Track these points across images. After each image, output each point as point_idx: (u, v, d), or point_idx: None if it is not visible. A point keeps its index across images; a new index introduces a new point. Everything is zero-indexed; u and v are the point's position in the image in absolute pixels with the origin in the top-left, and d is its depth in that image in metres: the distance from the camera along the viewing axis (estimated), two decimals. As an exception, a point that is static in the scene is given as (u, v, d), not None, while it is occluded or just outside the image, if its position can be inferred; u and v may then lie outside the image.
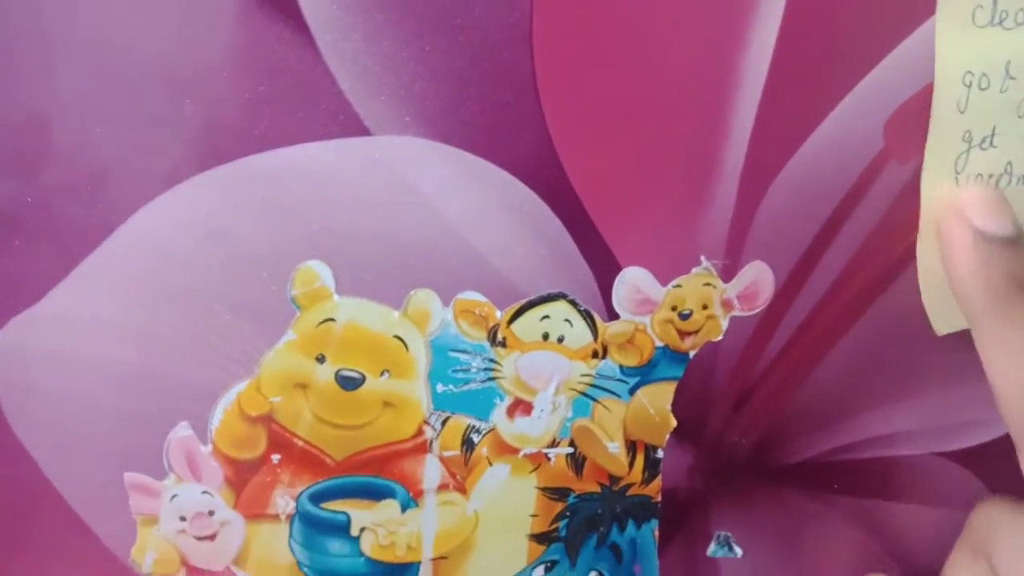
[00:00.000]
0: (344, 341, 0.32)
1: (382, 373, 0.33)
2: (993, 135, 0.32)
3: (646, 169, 0.31)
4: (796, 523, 0.38)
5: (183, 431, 0.33)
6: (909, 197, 0.33)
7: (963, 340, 0.35)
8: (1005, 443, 0.36)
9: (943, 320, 0.34)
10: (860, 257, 0.33)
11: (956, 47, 0.31)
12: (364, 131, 0.29)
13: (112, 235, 0.30)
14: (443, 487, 0.35)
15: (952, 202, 0.31)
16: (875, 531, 0.39)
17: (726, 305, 0.33)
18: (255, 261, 0.31)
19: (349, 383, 0.33)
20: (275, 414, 0.33)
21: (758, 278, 0.33)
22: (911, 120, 0.31)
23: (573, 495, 0.36)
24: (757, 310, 0.33)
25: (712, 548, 0.38)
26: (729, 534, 0.38)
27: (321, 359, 0.32)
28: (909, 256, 0.33)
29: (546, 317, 0.33)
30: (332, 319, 0.32)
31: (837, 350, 0.34)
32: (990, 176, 0.33)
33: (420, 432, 0.34)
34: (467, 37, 0.29)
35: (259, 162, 0.30)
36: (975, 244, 0.30)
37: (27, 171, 0.29)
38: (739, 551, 0.38)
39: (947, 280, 0.31)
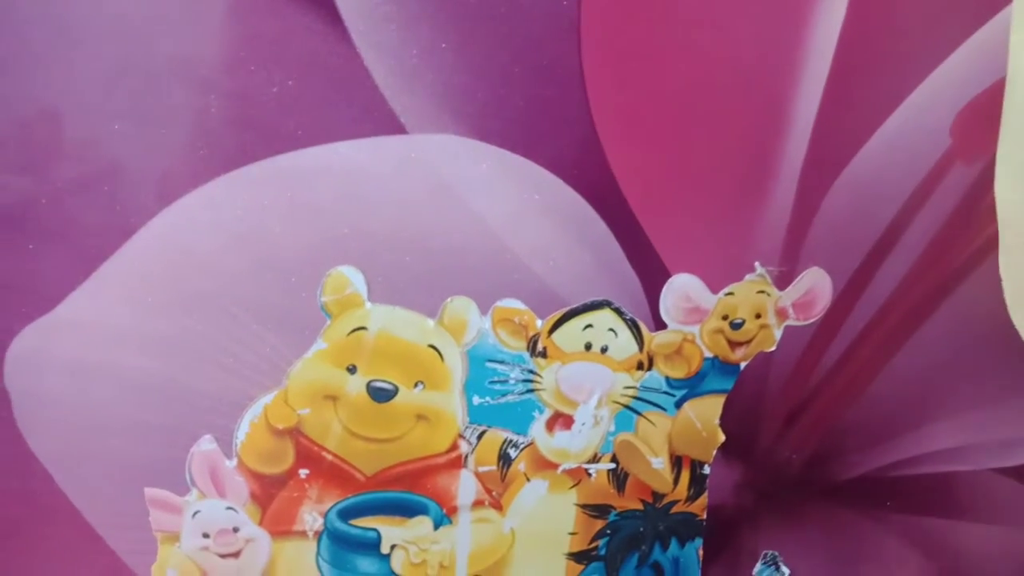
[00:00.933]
0: (376, 351, 0.30)
1: (416, 384, 0.30)
2: (1068, 134, 0.29)
3: (698, 169, 0.29)
4: (847, 542, 0.36)
5: (207, 444, 0.31)
6: (976, 199, 0.30)
7: (1016, 352, 0.32)
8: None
9: None
10: (923, 262, 0.31)
11: (1032, 39, 0.28)
12: (400, 129, 0.27)
13: (131, 238, 0.29)
14: (478, 503, 0.33)
15: None
16: (929, 550, 0.36)
17: (781, 314, 0.31)
18: (283, 266, 0.29)
19: (381, 395, 0.30)
20: (303, 427, 0.31)
21: (816, 285, 0.31)
22: (979, 119, 0.29)
23: (614, 512, 0.33)
24: (813, 319, 0.31)
25: (759, 568, 0.36)
26: (776, 553, 0.35)
27: (352, 369, 0.30)
28: (974, 262, 0.31)
29: (589, 326, 0.30)
30: (364, 327, 0.30)
31: (896, 361, 0.32)
32: (1063, 178, 0.30)
33: (455, 446, 0.32)
34: (510, 28, 0.27)
35: (288, 162, 0.27)
36: None
37: (40, 169, 0.27)
38: (787, 571, 0.35)
39: None
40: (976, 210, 0.29)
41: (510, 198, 0.28)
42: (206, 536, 0.32)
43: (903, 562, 0.36)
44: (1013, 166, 0.29)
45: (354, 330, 0.30)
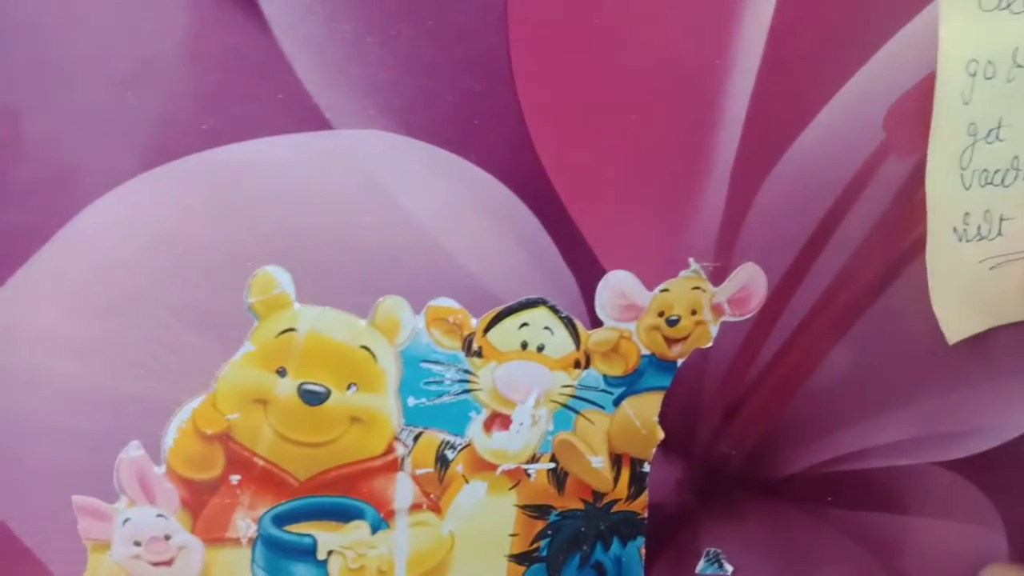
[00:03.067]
0: (306, 353, 0.29)
1: (348, 386, 0.29)
2: (999, 128, 0.29)
3: (630, 165, 0.28)
4: (789, 537, 0.35)
5: (134, 451, 0.30)
6: (910, 193, 0.30)
7: (960, 345, 0.32)
8: (1004, 452, 0.33)
9: (955, 328, 0.31)
10: (858, 257, 0.30)
11: (960, 33, 0.28)
12: (325, 124, 0.26)
13: (49, 241, 0.27)
14: (416, 507, 0.32)
15: None
16: (872, 544, 0.36)
17: (716, 310, 0.30)
18: (207, 267, 0.27)
19: (313, 398, 0.29)
20: (233, 432, 0.30)
21: (750, 281, 0.30)
22: (912, 112, 0.28)
23: (555, 513, 0.32)
24: (749, 315, 0.30)
25: (701, 565, 0.35)
26: (719, 550, 0.35)
27: (282, 372, 0.29)
28: (909, 256, 0.30)
29: (525, 325, 0.29)
30: (293, 329, 0.29)
31: (833, 356, 0.31)
32: (996, 171, 0.30)
33: (390, 449, 0.31)
34: (437, 21, 0.26)
35: (210, 159, 0.26)
36: None
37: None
38: (729, 568, 0.35)
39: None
40: (911, 203, 0.29)
41: (441, 195, 0.27)
42: (137, 544, 0.31)
43: (846, 557, 0.35)
44: (944, 158, 0.28)
45: (283, 331, 0.29)
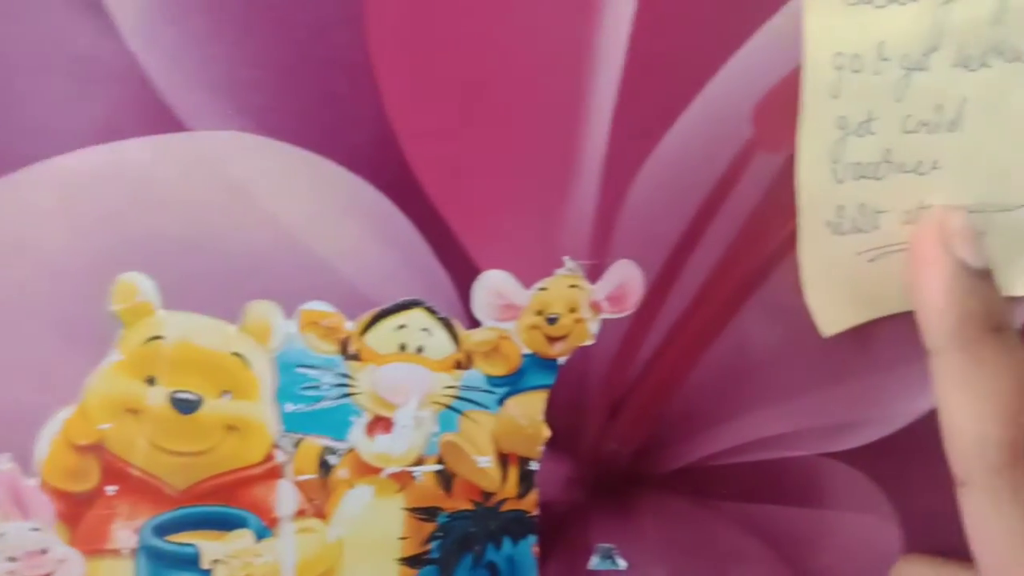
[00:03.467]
0: (176, 360, 0.28)
1: (222, 394, 0.28)
2: (869, 120, 0.29)
3: (500, 163, 0.27)
4: (681, 531, 0.35)
5: (4, 464, 0.29)
6: (782, 188, 0.29)
7: (840, 339, 0.31)
8: (894, 442, 0.33)
9: (829, 320, 0.31)
10: (732, 253, 0.30)
11: (825, 27, 0.28)
12: (180, 126, 0.25)
13: None
14: (300, 513, 0.31)
15: (933, 227, 0.29)
16: (764, 536, 0.36)
17: (595, 308, 0.30)
18: (68, 273, 0.26)
19: (185, 406, 0.28)
20: (106, 442, 0.28)
21: (626, 278, 0.29)
22: (780, 106, 0.28)
23: (444, 514, 0.32)
24: (628, 312, 0.30)
25: (595, 561, 0.34)
26: (612, 546, 0.34)
27: (152, 381, 0.28)
28: (784, 251, 0.30)
29: (402, 327, 0.29)
30: (160, 336, 0.27)
31: (713, 351, 0.31)
32: (869, 164, 0.29)
33: (270, 456, 0.29)
34: (292, 19, 0.25)
35: (64, 164, 0.25)
36: (955, 275, 0.28)
37: None
38: (623, 563, 0.34)
39: (917, 304, 0.28)
40: (783, 198, 0.28)
41: (306, 197, 0.26)
42: (13, 560, 0.29)
43: (739, 549, 0.35)
44: (814, 153, 0.28)
45: (150, 339, 0.28)
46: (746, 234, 0.30)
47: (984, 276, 0.28)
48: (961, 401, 0.27)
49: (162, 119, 0.25)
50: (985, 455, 0.26)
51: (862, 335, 0.33)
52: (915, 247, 0.29)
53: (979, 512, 0.26)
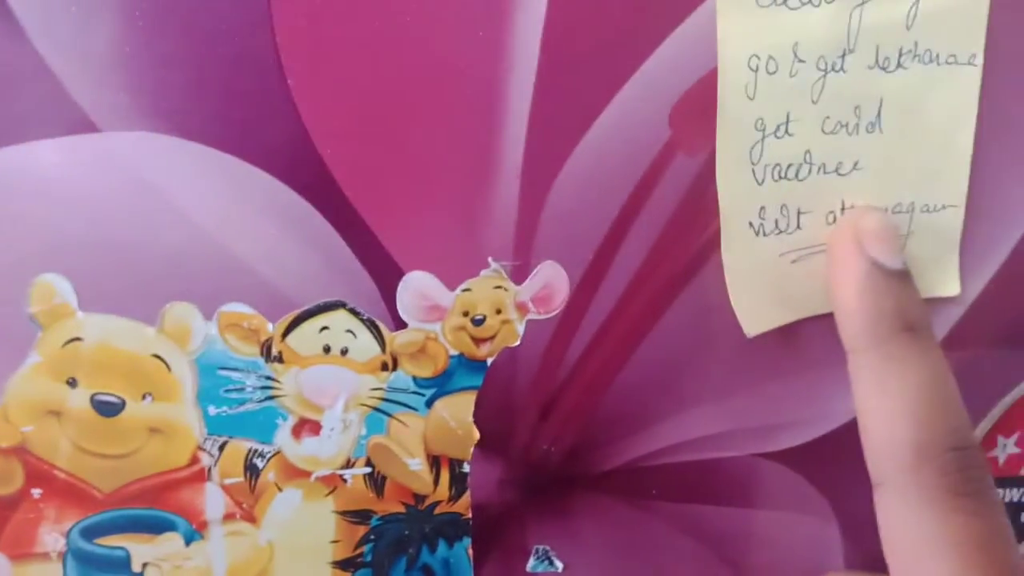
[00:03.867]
0: (95, 363, 0.27)
1: (144, 396, 0.27)
2: (788, 122, 0.28)
3: (417, 164, 0.26)
4: (617, 532, 0.34)
5: (-75, 468, 0.27)
6: (702, 190, 0.29)
7: (770, 339, 0.31)
8: (826, 443, 0.33)
9: (753, 321, 0.30)
10: (656, 253, 0.29)
11: (739, 28, 0.27)
12: (91, 127, 0.24)
13: None
14: (229, 517, 0.30)
15: (848, 227, 0.28)
16: (701, 535, 0.35)
17: (521, 308, 0.29)
18: (-18, 277, 0.25)
19: (107, 408, 0.27)
20: (29, 444, 0.28)
21: (551, 279, 0.29)
22: (697, 109, 0.28)
23: (376, 517, 0.31)
24: (554, 312, 0.29)
25: (532, 563, 0.34)
26: (548, 548, 0.33)
27: (73, 383, 0.27)
28: (707, 251, 0.29)
29: (325, 328, 0.28)
30: (79, 338, 0.27)
31: (641, 352, 0.30)
32: (789, 166, 0.29)
33: (195, 459, 0.29)
34: (200, 18, 0.24)
35: None
36: (869, 274, 0.27)
37: None
38: (560, 565, 0.33)
39: (833, 303, 0.28)
40: (704, 199, 0.28)
41: (221, 198, 0.25)
42: (-62, 566, 0.28)
43: (675, 548, 0.34)
44: (733, 154, 0.27)
45: (68, 341, 0.27)
46: (670, 234, 0.30)
47: (899, 276, 0.27)
48: (874, 401, 0.26)
49: (71, 120, 0.24)
50: (896, 455, 0.25)
51: (793, 334, 0.32)
52: (831, 248, 0.29)
53: (890, 513, 0.25)
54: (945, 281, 0.32)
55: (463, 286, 0.29)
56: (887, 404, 0.25)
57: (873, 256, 0.27)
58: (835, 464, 0.34)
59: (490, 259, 0.29)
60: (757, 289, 0.30)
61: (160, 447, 0.28)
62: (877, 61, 0.28)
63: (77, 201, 0.25)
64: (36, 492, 0.28)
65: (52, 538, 0.29)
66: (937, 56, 0.28)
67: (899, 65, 0.28)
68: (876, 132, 0.29)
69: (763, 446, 0.34)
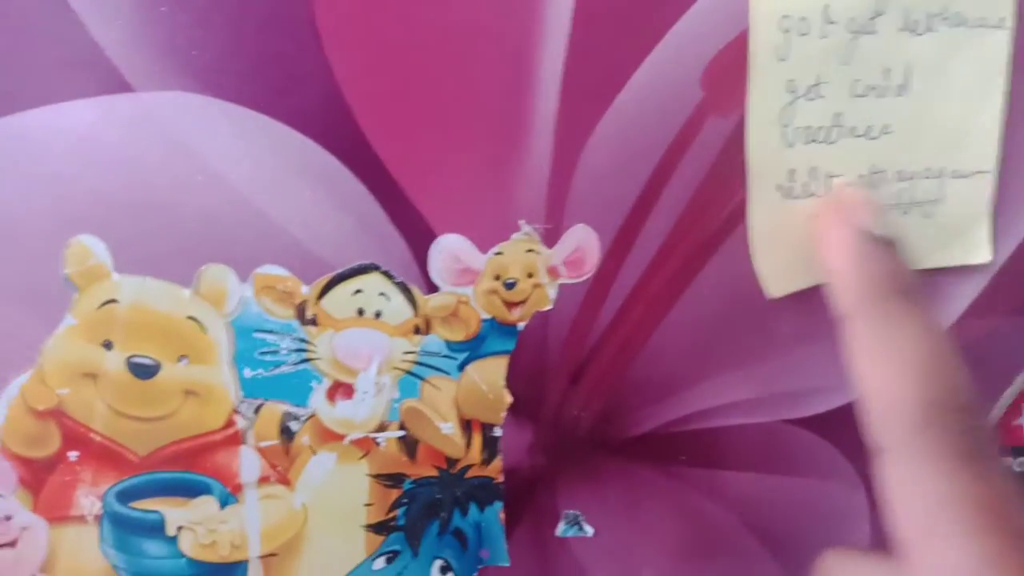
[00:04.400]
0: (131, 324, 0.26)
1: (179, 359, 0.27)
2: (818, 84, 0.27)
3: (451, 126, 0.26)
4: (646, 497, 0.33)
5: (-36, 431, 0.27)
6: (734, 151, 0.28)
7: (799, 304, 0.30)
8: (854, 409, 0.32)
9: (776, 282, 0.29)
10: (688, 216, 0.28)
11: (771, -12, 0.26)
12: (126, 87, 0.24)
13: None
14: (264, 480, 0.29)
15: (833, 200, 0.28)
16: (728, 502, 0.34)
17: (552, 272, 0.28)
18: (19, 238, 0.25)
19: (142, 371, 0.27)
20: (65, 407, 0.27)
21: (583, 242, 0.28)
22: (729, 70, 0.27)
23: (409, 481, 0.30)
24: (585, 276, 0.28)
25: (562, 527, 0.33)
26: (578, 512, 0.33)
27: (108, 345, 0.26)
28: (738, 215, 0.29)
29: (359, 291, 0.27)
30: (114, 300, 0.26)
31: (672, 316, 0.30)
32: (819, 128, 0.28)
33: (231, 422, 0.28)
34: (235, -22, 0.23)
35: (9, 125, 0.24)
36: (858, 240, 0.27)
37: None
38: (590, 529, 0.33)
39: (825, 273, 0.27)
40: (736, 161, 0.27)
41: (256, 159, 0.25)
42: (-23, 527, 0.28)
43: (703, 514, 0.34)
44: (763, 116, 0.27)
45: (104, 303, 0.26)
46: (701, 198, 0.29)
47: (887, 242, 0.27)
48: (874, 364, 0.25)
49: (107, 79, 0.23)
50: (900, 417, 0.24)
51: (820, 300, 0.31)
52: (819, 219, 0.28)
53: (896, 478, 0.24)
54: (976, 248, 0.31)
55: (495, 249, 0.28)
56: (887, 365, 0.24)
57: (860, 223, 0.26)
58: (862, 430, 0.33)
59: (522, 222, 0.28)
60: (782, 251, 0.29)
61: (195, 410, 0.28)
62: (906, 24, 0.27)
63: (113, 161, 0.24)
64: (73, 455, 0.28)
65: (88, 501, 0.29)
66: (966, 19, 0.27)
67: (928, 28, 0.27)
68: (905, 95, 0.28)
69: (791, 412, 0.33)
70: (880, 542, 0.34)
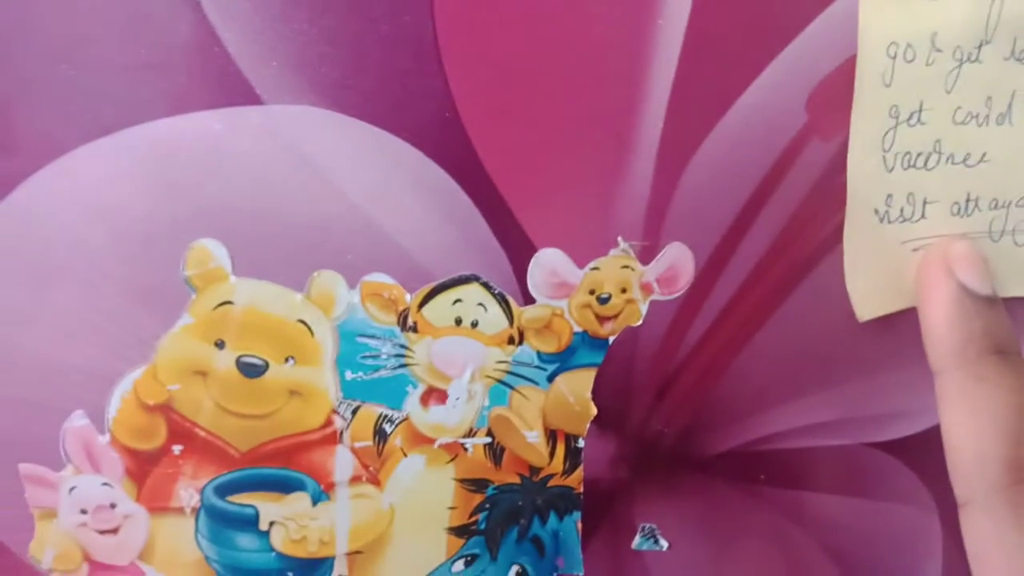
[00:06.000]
0: (244, 325, 0.28)
1: (286, 360, 0.29)
2: (921, 111, 0.28)
3: (558, 143, 0.27)
4: (723, 515, 0.34)
5: (79, 420, 0.29)
6: (834, 176, 0.29)
7: (887, 328, 0.31)
8: (934, 434, 0.33)
9: (866, 305, 0.30)
10: (783, 239, 0.29)
11: (880, 16, 0.27)
12: (256, 99, 0.25)
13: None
14: (355, 479, 0.31)
15: (938, 253, 0.29)
16: (805, 523, 0.35)
17: (645, 289, 0.29)
18: (145, 239, 0.27)
19: (251, 370, 0.28)
20: (174, 403, 0.29)
21: (678, 260, 0.29)
22: (835, 94, 0.28)
23: (492, 486, 0.32)
24: (677, 294, 0.30)
25: (637, 541, 0.34)
26: (654, 526, 0.34)
27: (220, 344, 0.28)
28: (834, 238, 0.30)
29: (459, 301, 0.29)
30: (230, 302, 0.28)
31: (760, 336, 0.31)
32: (919, 154, 0.29)
33: (329, 422, 0.30)
34: (364, -2, 0.25)
35: (144, 132, 0.26)
36: (958, 297, 0.27)
37: None
38: (665, 543, 0.34)
39: (923, 326, 0.28)
40: (834, 186, 0.28)
41: (372, 172, 0.26)
42: (84, 512, 0.30)
43: (779, 535, 0.35)
44: (865, 140, 0.28)
45: (220, 304, 0.28)
46: (798, 220, 0.30)
47: (988, 300, 0.28)
48: (961, 420, 0.27)
49: (238, 91, 0.25)
50: (985, 473, 0.25)
51: (903, 326, 0.32)
52: (921, 272, 0.29)
53: (978, 532, 0.25)
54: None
55: (591, 264, 0.29)
56: (976, 422, 0.26)
57: (962, 280, 0.27)
58: (940, 456, 0.34)
59: (619, 239, 0.29)
60: (875, 275, 0.30)
61: (297, 409, 0.29)
62: (1013, 52, 0.28)
63: (237, 169, 0.26)
64: (177, 448, 0.29)
65: (188, 493, 0.30)
66: (1074, 49, 0.28)
67: (1036, 58, 0.28)
68: (1006, 124, 0.29)
69: (871, 435, 0.34)
70: (951, 569, 0.34)
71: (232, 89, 0.25)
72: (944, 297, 0.27)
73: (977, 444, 0.24)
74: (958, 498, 0.25)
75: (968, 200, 0.30)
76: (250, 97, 0.25)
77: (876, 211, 0.29)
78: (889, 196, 0.29)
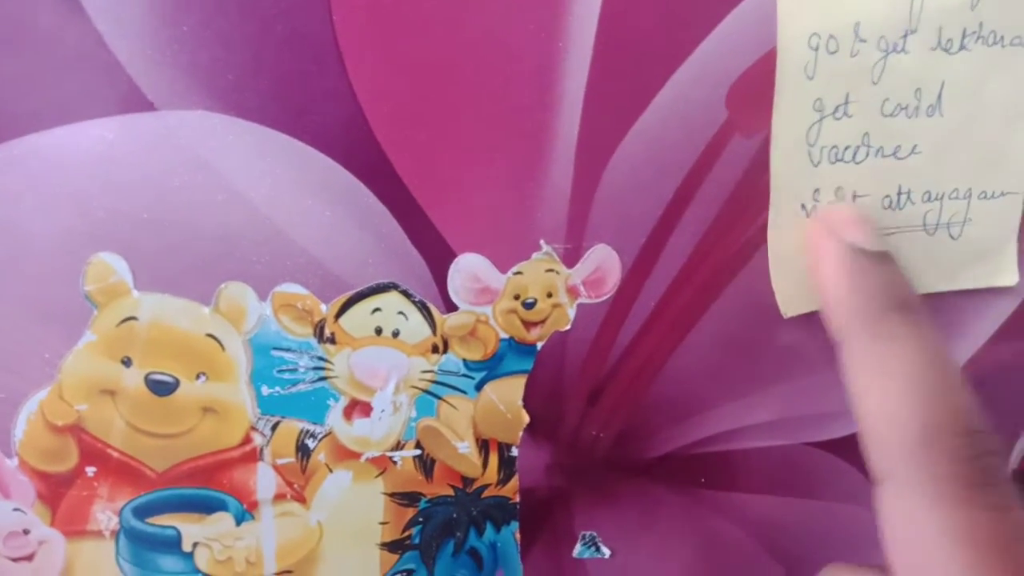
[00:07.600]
0: (150, 342, 0.27)
1: (198, 376, 0.27)
2: (847, 103, 0.27)
3: (471, 144, 0.26)
4: (664, 519, 0.33)
5: (-17, 445, 0.27)
6: (757, 172, 0.28)
7: (818, 327, 0.30)
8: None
9: (791, 302, 0.29)
10: (709, 237, 0.28)
11: (800, 6, 0.26)
12: (148, 106, 0.24)
13: None
14: (280, 497, 0.29)
15: (822, 219, 0.28)
16: (748, 524, 0.34)
17: (572, 292, 0.28)
18: (40, 255, 0.25)
19: (161, 387, 0.27)
20: (84, 423, 0.27)
21: (603, 262, 0.28)
22: (755, 89, 0.27)
23: (425, 499, 0.30)
24: (605, 296, 0.29)
25: (578, 549, 0.33)
26: (595, 534, 0.33)
27: (127, 362, 0.27)
28: (761, 236, 0.29)
29: (378, 310, 0.28)
30: (134, 317, 0.26)
31: (692, 337, 0.30)
32: (846, 148, 0.28)
33: (248, 439, 0.28)
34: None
35: (32, 144, 0.24)
36: (850, 256, 0.26)
37: None
38: (607, 551, 0.33)
39: (819, 294, 0.27)
40: (759, 184, 0.27)
41: (276, 178, 0.25)
42: (-5, 541, 0.28)
43: (722, 537, 0.34)
44: (790, 135, 0.27)
45: (124, 320, 0.27)
46: (724, 218, 0.29)
47: (881, 256, 0.26)
48: (870, 382, 0.24)
49: (129, 98, 0.24)
50: (900, 442, 0.23)
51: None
52: (809, 243, 0.28)
53: (895, 509, 0.23)
54: (1003, 270, 0.31)
55: (515, 269, 0.28)
56: (885, 386, 0.23)
57: (851, 240, 0.26)
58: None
59: (542, 242, 0.28)
60: (801, 271, 0.29)
61: (213, 427, 0.28)
62: (940, 42, 0.27)
63: (133, 180, 0.25)
64: (90, 470, 0.28)
65: (105, 516, 0.29)
66: (1002, 38, 0.27)
67: (962, 47, 0.27)
68: (936, 115, 0.28)
69: (814, 435, 0.33)
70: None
71: (123, 97, 0.24)
72: (836, 259, 0.25)
73: (887, 409, 0.22)
74: (875, 476, 0.23)
75: (900, 193, 0.29)
76: (142, 104, 0.24)
77: (803, 206, 0.28)
78: (816, 191, 0.28)
